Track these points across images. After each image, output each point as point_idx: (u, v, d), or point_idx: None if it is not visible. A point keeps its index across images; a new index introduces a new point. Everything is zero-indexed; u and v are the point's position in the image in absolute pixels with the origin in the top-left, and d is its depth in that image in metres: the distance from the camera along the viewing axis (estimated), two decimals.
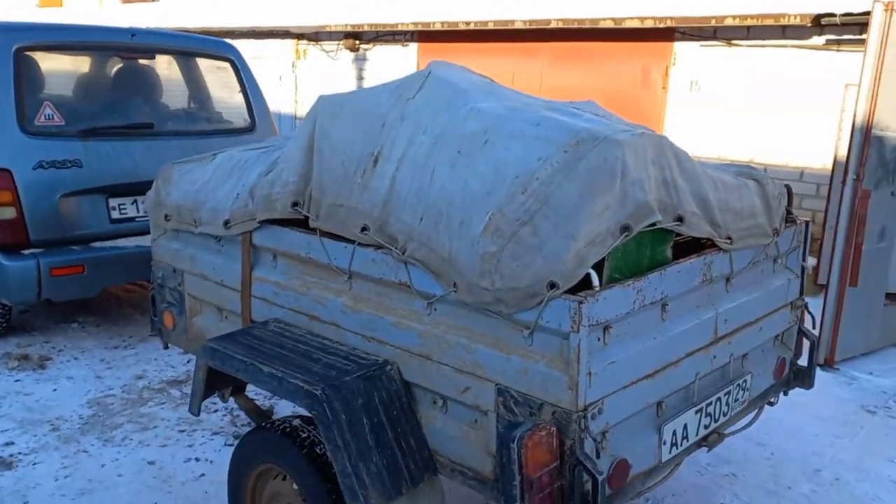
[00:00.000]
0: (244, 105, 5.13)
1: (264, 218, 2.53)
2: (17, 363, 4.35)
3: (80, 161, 4.30)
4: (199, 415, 2.57)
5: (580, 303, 1.73)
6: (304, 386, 2.05)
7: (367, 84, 10.31)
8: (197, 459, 3.38)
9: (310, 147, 2.48)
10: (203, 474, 3.25)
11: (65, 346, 4.66)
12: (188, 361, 4.48)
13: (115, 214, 4.50)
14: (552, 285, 1.77)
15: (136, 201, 4.58)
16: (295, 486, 2.32)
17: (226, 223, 2.71)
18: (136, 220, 4.57)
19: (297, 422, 2.35)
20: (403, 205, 2.16)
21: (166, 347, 3.33)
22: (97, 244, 4.40)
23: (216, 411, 3.88)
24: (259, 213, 2.55)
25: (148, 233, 4.49)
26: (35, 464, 3.28)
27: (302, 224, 2.51)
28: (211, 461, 3.37)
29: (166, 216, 3.01)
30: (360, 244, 2.25)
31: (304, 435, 2.28)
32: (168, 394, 4.07)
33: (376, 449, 2.03)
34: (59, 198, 4.24)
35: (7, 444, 3.45)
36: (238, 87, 5.12)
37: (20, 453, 3.37)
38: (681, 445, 2.18)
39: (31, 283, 4.13)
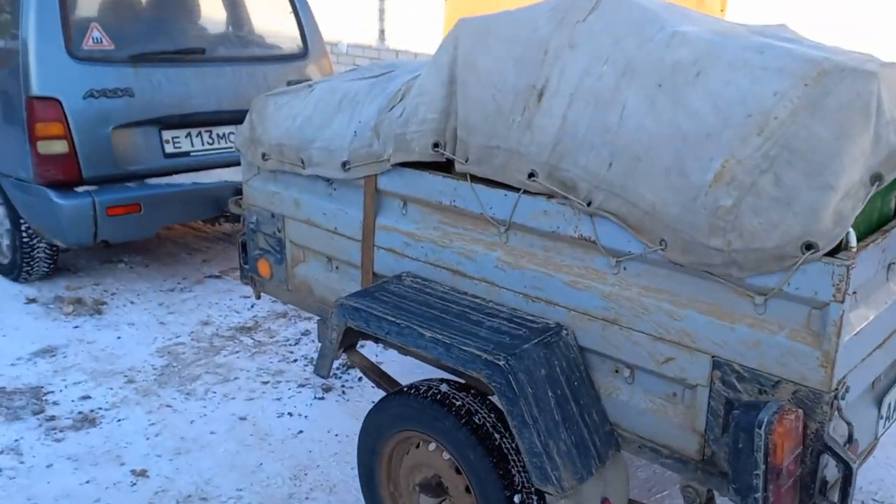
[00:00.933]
0: (296, 29, 4.73)
1: (399, 161, 2.24)
2: (72, 308, 4.10)
3: (131, 90, 3.95)
4: (328, 377, 2.33)
5: (848, 268, 1.48)
6: (483, 355, 1.81)
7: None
8: (290, 414, 3.18)
9: (450, 79, 2.16)
10: (301, 431, 3.05)
11: (117, 289, 4.40)
12: (253, 306, 4.24)
13: (169, 148, 4.17)
14: (808, 246, 1.51)
15: (189, 134, 4.25)
16: (445, 457, 2.11)
17: (344, 165, 2.42)
18: (191, 154, 4.26)
19: (444, 387, 2.12)
20: (580, 147, 1.87)
21: (258, 297, 3.07)
22: (152, 181, 4.10)
23: (295, 361, 3.66)
24: (391, 155, 2.25)
25: (203, 169, 4.26)
26: (119, 420, 3.08)
27: (437, 167, 2.22)
28: (305, 416, 3.17)
29: (264, 155, 2.71)
30: (525, 192, 1.97)
31: (459, 403, 2.05)
32: (240, 341, 3.84)
33: (563, 424, 1.81)
34: (111, 130, 3.91)
35: (84, 397, 3.23)
36: (289, 9, 4.70)
37: (101, 409, 3.15)
38: (892, 419, 1.97)
39: (88, 224, 3.84)
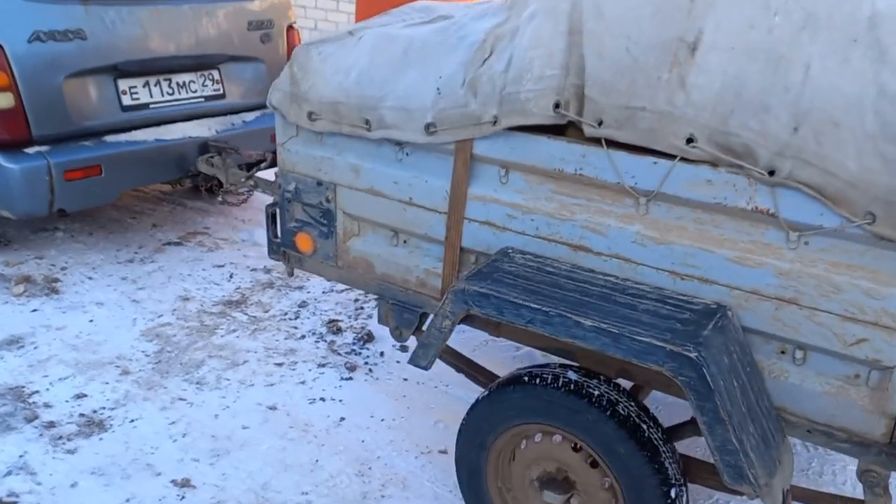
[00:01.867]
0: None
1: (512, 124, 1.97)
2: (23, 287, 3.54)
3: (83, 31, 3.37)
4: (429, 368, 2.08)
5: None
6: (666, 346, 1.63)
7: None
8: (322, 399, 2.89)
9: (571, 29, 1.90)
10: (343, 418, 2.78)
11: (66, 263, 3.85)
12: (232, 276, 3.85)
13: (127, 100, 3.63)
14: None
15: (147, 83, 3.71)
16: (574, 451, 1.94)
17: (427, 127, 2.12)
18: (150, 106, 3.73)
19: (573, 375, 1.93)
20: (751, 108, 1.69)
21: (291, 274, 2.72)
22: (110, 138, 3.56)
23: (303, 337, 3.35)
24: (499, 117, 1.97)
25: (164, 123, 3.75)
26: (132, 421, 2.68)
27: (539, 130, 1.97)
28: (340, 400, 2.90)
29: (311, 115, 2.34)
30: (682, 159, 1.77)
31: (597, 392, 1.87)
32: (232, 318, 3.46)
33: (748, 416, 1.67)
34: (63, 79, 3.33)
35: (79, 396, 2.80)
36: None
37: (104, 408, 2.74)
38: None
39: (43, 190, 3.29)
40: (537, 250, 2.04)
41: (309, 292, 3.78)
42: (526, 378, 1.98)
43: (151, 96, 3.72)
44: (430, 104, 2.11)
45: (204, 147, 3.88)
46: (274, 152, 3.64)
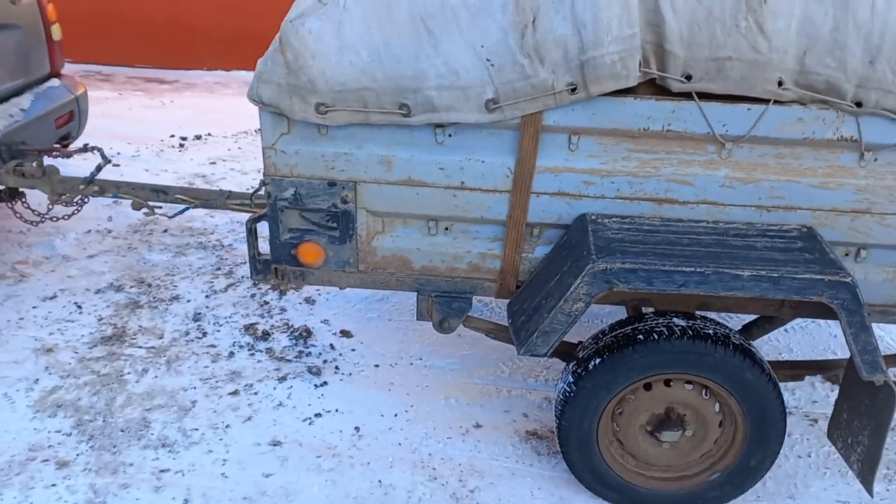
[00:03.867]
0: None
1: (604, 90, 1.89)
2: None
3: None
4: (548, 355, 2.00)
5: None
6: (824, 277, 1.81)
7: None
8: (318, 415, 2.61)
9: None
10: (357, 428, 2.55)
11: None
12: (80, 307, 3.14)
13: None
14: None
15: None
16: (688, 388, 2.09)
17: (489, 104, 1.93)
18: None
19: (679, 321, 2.04)
20: (828, 47, 1.87)
21: (283, 293, 2.31)
22: None
23: (231, 355, 2.91)
24: (588, 84, 1.88)
25: None
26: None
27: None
28: (337, 410, 2.63)
29: (320, 107, 1.96)
30: (775, 102, 1.90)
31: (711, 332, 2.02)
32: (128, 356, 2.86)
33: None
34: None
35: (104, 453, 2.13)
36: None
37: (171, 469, 2.13)
38: None
39: None
40: (619, 211, 2.05)
41: (189, 300, 3.25)
42: (641, 336, 2.03)
43: None
44: (486, 78, 1.92)
45: (12, 153, 2.99)
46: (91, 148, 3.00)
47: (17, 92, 3.24)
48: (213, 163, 4.77)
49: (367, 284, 2.24)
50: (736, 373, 2.01)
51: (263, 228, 2.23)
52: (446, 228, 2.15)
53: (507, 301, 2.22)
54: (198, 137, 5.19)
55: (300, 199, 2.10)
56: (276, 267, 2.23)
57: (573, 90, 1.90)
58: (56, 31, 3.46)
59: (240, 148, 5.09)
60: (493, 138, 2.00)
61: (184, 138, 5.13)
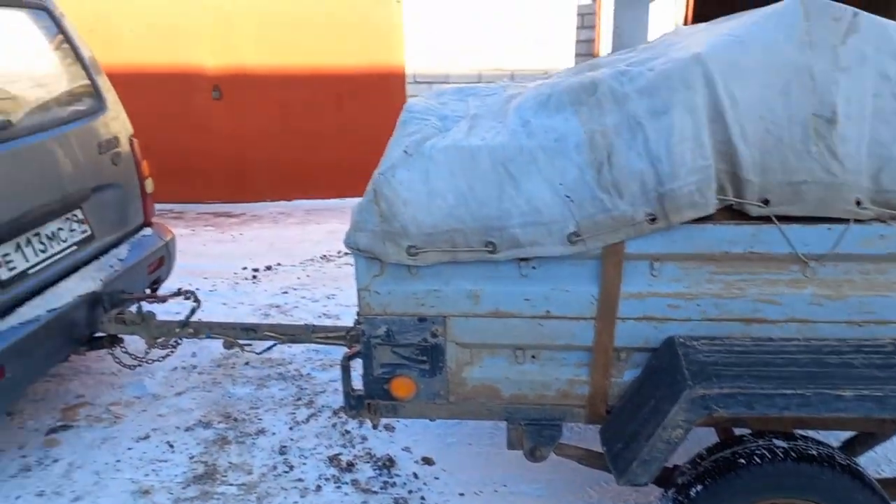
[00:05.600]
0: (82, 73, 3.54)
1: (685, 219, 1.97)
2: None
3: None
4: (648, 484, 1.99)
5: None
6: None
7: None
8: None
9: (711, 118, 1.98)
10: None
11: None
12: (172, 446, 3.21)
13: (4, 273, 2.84)
14: None
15: (19, 246, 2.94)
16: None
17: (570, 237, 2.03)
18: (29, 273, 2.96)
19: (780, 442, 2.02)
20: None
21: (376, 427, 2.37)
22: (1, 326, 2.75)
23: (319, 489, 2.94)
24: (669, 214, 1.97)
25: (46, 288, 3.05)
26: None
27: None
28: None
29: (411, 249, 2.09)
30: (855, 221, 1.96)
31: (815, 452, 1.99)
32: (221, 495, 2.91)
33: None
34: None
35: None
36: (67, 48, 3.49)
37: None
38: None
39: None
40: (707, 332, 2.08)
41: (274, 433, 3.32)
42: (742, 460, 2.01)
43: (27, 260, 2.95)
44: (566, 213, 2.03)
45: (95, 303, 3.18)
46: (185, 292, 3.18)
47: (117, 243, 3.49)
48: (286, 292, 4.95)
49: (457, 415, 2.29)
50: (846, 495, 1.96)
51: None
52: (533, 356, 2.21)
53: (596, 426, 2.23)
54: (268, 268, 5.42)
55: (392, 335, 2.20)
56: (370, 402, 2.30)
57: (653, 220, 1.99)
58: (149, 185, 3.75)
59: (308, 276, 5.29)
60: (577, 268, 2.08)
61: (256, 270, 5.36)
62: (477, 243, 2.07)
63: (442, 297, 2.14)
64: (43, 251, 3.04)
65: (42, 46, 3.33)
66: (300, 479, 2.99)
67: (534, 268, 2.10)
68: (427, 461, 3.09)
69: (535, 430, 2.26)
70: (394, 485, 2.95)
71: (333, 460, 3.10)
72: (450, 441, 3.23)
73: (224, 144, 7.04)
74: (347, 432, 3.30)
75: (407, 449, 3.17)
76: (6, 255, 2.84)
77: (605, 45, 6.99)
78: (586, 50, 7.10)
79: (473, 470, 3.02)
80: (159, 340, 3.15)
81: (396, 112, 2.72)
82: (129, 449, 3.21)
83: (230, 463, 3.10)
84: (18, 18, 3.23)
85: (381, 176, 2.10)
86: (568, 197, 2.03)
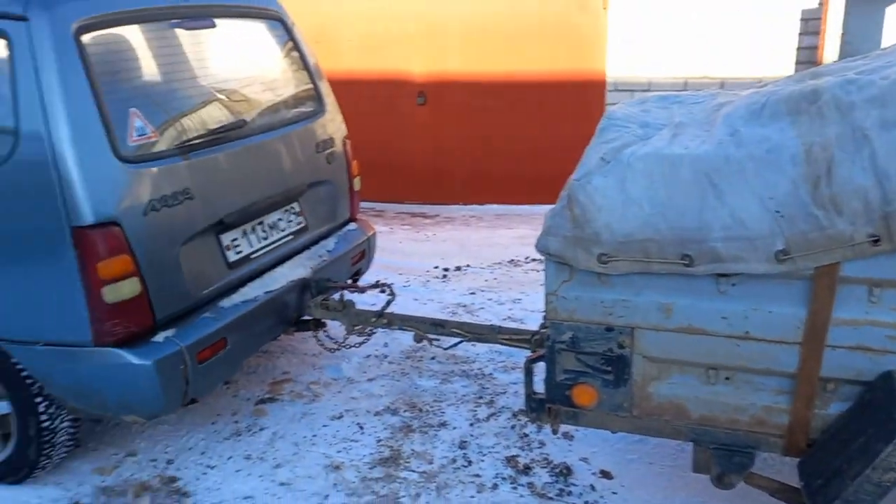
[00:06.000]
0: (307, 78, 3.86)
1: None
2: (148, 500, 2.96)
3: (189, 190, 2.91)
4: None
5: None
6: None
7: None
8: None
9: None
10: None
11: (169, 454, 3.28)
12: (362, 428, 3.41)
13: (232, 256, 3.18)
14: None
15: (245, 232, 3.27)
16: None
17: (778, 255, 1.91)
18: (252, 257, 3.29)
19: None
20: None
21: (556, 432, 2.40)
22: (224, 303, 3.08)
23: (495, 487, 2.98)
24: (895, 236, 1.80)
25: (265, 272, 3.34)
26: None
27: None
28: None
29: (602, 257, 2.07)
30: None
31: None
32: (403, 479, 3.05)
33: None
34: (179, 248, 2.86)
35: None
36: (298, 61, 3.82)
37: None
38: None
39: (178, 382, 2.78)
40: None
41: (455, 427, 3.42)
42: None
43: (251, 245, 3.28)
44: (775, 229, 1.91)
45: (304, 289, 3.47)
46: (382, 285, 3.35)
47: (325, 235, 3.79)
48: (473, 293, 5.08)
49: (640, 430, 2.24)
50: None
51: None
52: (727, 378, 2.11)
53: (793, 459, 2.08)
54: (458, 269, 5.59)
55: (577, 342, 2.20)
56: (550, 406, 2.31)
57: (875, 242, 1.83)
58: (357, 183, 4.03)
59: (495, 279, 5.39)
60: (782, 288, 1.96)
61: (446, 269, 5.56)
62: (672, 255, 2.01)
63: (631, 307, 2.11)
64: (265, 238, 3.37)
65: (274, 54, 3.70)
66: (477, 475, 3.07)
67: (733, 284, 2.01)
68: (605, 475, 3.04)
69: (724, 456, 2.16)
70: (570, 493, 2.93)
71: (511, 461, 3.15)
72: (630, 457, 3.15)
73: (424, 148, 7.37)
74: (526, 435, 3.33)
75: (585, 459, 3.14)
76: (234, 239, 3.18)
77: (830, 52, 6.46)
78: (808, 57, 6.60)
79: (654, 490, 2.93)
80: (357, 328, 3.37)
81: (594, 121, 2.71)
82: (325, 426, 3.47)
83: (413, 450, 3.25)
84: (257, 28, 3.61)
85: (576, 182, 2.11)
86: (778, 212, 1.91)
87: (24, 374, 2.77)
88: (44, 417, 2.85)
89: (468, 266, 5.64)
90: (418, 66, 7.14)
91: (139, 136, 2.74)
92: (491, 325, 3.10)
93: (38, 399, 2.81)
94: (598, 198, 2.08)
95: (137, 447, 3.32)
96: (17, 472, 2.98)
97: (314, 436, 3.39)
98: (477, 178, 7.37)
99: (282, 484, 3.04)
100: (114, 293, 2.59)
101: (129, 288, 2.63)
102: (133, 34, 2.92)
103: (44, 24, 2.49)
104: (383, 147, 7.34)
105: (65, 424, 2.94)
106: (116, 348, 2.64)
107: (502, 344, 3.12)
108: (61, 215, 2.52)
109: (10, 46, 2.53)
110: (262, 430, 3.44)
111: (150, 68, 3.03)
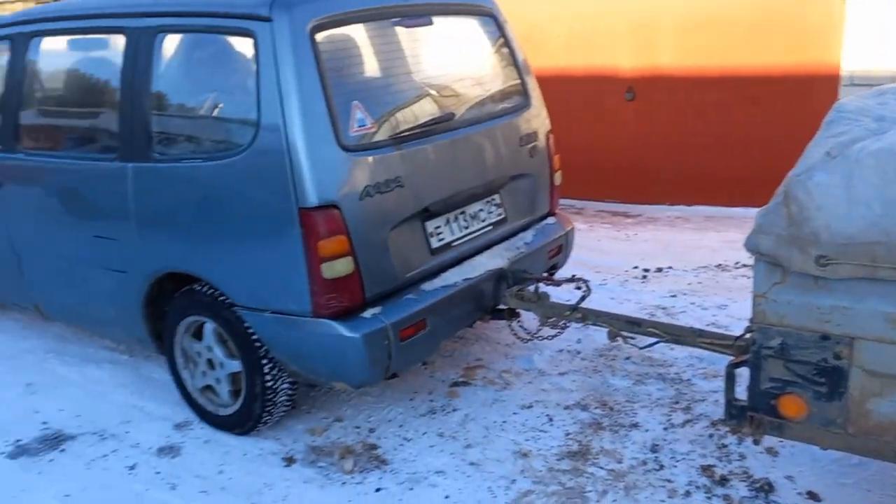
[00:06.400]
0: (516, 75, 3.92)
1: None
2: (353, 462, 3.20)
3: (401, 178, 3.10)
4: None
5: None
6: None
7: None
8: None
9: None
10: None
11: (371, 423, 3.52)
12: (551, 420, 3.42)
13: (434, 242, 3.33)
14: None
15: (448, 220, 3.41)
16: None
17: None
18: (453, 245, 3.42)
19: None
20: None
21: (758, 443, 2.27)
22: (426, 286, 3.24)
23: (688, 494, 2.86)
24: None
25: (464, 259, 3.44)
26: None
27: None
28: None
29: (820, 259, 1.92)
30: None
31: None
32: (589, 474, 3.03)
33: None
34: (388, 232, 3.05)
35: None
36: (506, 55, 3.90)
37: None
38: None
39: (382, 356, 2.98)
40: None
41: (647, 430, 3.33)
42: None
43: (453, 234, 3.42)
44: None
45: (501, 278, 3.54)
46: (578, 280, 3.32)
47: (524, 228, 3.85)
48: (674, 296, 4.90)
49: (854, 449, 2.05)
50: None
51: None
52: None
53: None
54: (659, 270, 5.41)
55: (787, 349, 2.06)
56: (752, 415, 2.18)
57: None
58: (558, 178, 4.05)
59: (699, 282, 5.15)
60: None
61: (646, 270, 5.40)
62: None
63: (851, 316, 1.94)
64: (465, 228, 3.50)
65: (485, 49, 3.82)
66: (669, 480, 2.98)
67: None
68: (813, 496, 2.82)
69: None
70: None
71: (706, 470, 3.01)
72: (844, 481, 2.89)
73: (630, 145, 7.19)
74: (724, 446, 3.17)
75: (790, 478, 2.93)
76: (438, 227, 3.34)
77: None
78: None
79: None
80: (551, 320, 3.40)
81: (819, 118, 2.50)
82: (515, 414, 3.53)
83: (602, 448, 3.22)
84: (470, 25, 3.75)
85: (795, 177, 1.98)
86: None
87: (254, 337, 3.11)
88: (268, 378, 3.18)
89: (670, 268, 5.44)
90: (627, 62, 6.98)
91: (359, 127, 2.96)
92: (692, 327, 2.99)
93: (264, 361, 3.15)
94: (819, 195, 1.93)
95: (344, 414, 3.60)
96: (243, 424, 3.35)
97: (504, 422, 3.46)
98: (685, 178, 7.06)
99: (471, 463, 3.15)
100: (331, 270, 2.83)
101: (343, 266, 2.86)
102: (357, 32, 3.17)
103: (285, 23, 2.78)
104: (587, 143, 7.28)
105: (284, 386, 3.26)
106: (331, 320, 2.89)
107: (702, 348, 2.99)
108: (291, 197, 2.80)
109: (256, 45, 2.85)
110: (454, 410, 3.58)
111: (370, 64, 3.27)
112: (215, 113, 3.16)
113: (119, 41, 3.29)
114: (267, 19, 2.81)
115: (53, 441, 3.45)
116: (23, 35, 3.74)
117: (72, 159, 3.56)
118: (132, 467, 3.24)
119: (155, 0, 3.27)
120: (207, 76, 3.20)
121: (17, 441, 3.47)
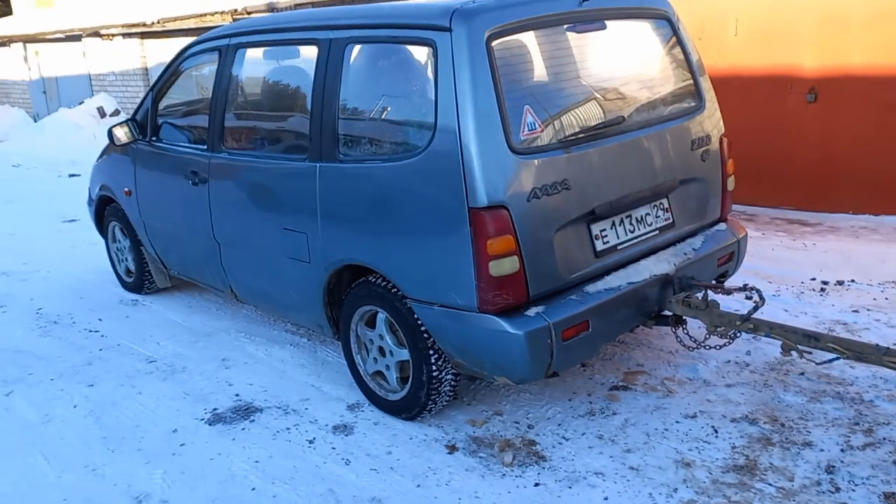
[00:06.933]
0: (689, 78, 3.84)
1: None
2: (512, 455, 3.29)
3: (567, 181, 3.15)
4: None
5: None
6: None
7: None
8: None
9: None
10: None
11: (529, 419, 3.59)
12: (717, 432, 3.31)
13: (599, 245, 3.34)
14: None
15: (613, 224, 3.41)
16: None
17: None
18: (618, 248, 3.41)
19: None
20: None
21: None
22: (589, 288, 3.26)
23: None
24: None
25: (628, 263, 3.41)
26: None
27: None
28: None
29: None
30: None
31: None
32: (757, 490, 2.92)
33: None
34: (553, 234, 3.11)
35: None
36: (679, 56, 3.82)
37: None
38: None
39: (544, 354, 3.04)
40: None
41: (822, 450, 3.15)
42: None
43: (618, 237, 3.42)
44: None
45: (667, 284, 3.49)
46: (750, 289, 3.20)
47: (693, 233, 3.77)
48: (856, 311, 4.58)
49: None
50: None
51: None
52: None
53: None
54: (840, 283, 5.07)
55: None
56: None
57: None
58: (730, 183, 3.93)
59: (886, 298, 4.77)
60: None
61: (825, 283, 5.08)
62: None
63: None
64: (631, 231, 3.49)
65: (657, 51, 3.77)
66: None
67: None
68: None
69: None
70: None
71: (890, 497, 2.82)
72: None
73: (810, 150, 6.76)
74: None
75: None
76: (603, 230, 3.36)
77: None
78: None
79: None
80: (719, 329, 3.31)
81: None
82: (677, 422, 3.47)
83: (771, 464, 3.10)
84: (642, 27, 3.73)
85: None
86: None
87: (423, 329, 3.28)
88: (434, 367, 3.35)
89: (853, 281, 5.08)
90: (809, 60, 6.57)
91: (529, 130, 3.05)
92: (876, 344, 2.81)
93: (431, 352, 3.32)
94: None
95: (503, 408, 3.71)
96: (409, 409, 3.55)
97: (666, 430, 3.42)
98: (873, 185, 6.52)
99: (631, 468, 3.14)
100: (497, 268, 2.94)
101: (510, 265, 2.96)
102: (529, 38, 3.25)
103: (463, 33, 2.92)
104: (763, 147, 6.92)
105: (448, 376, 3.41)
106: (496, 316, 3.00)
107: (888, 367, 2.80)
108: (462, 197, 2.94)
109: (435, 53, 3.02)
110: (614, 414, 3.58)
111: (542, 69, 3.34)
112: (395, 117, 3.37)
113: (312, 51, 3.59)
114: (447, 30, 2.96)
115: (244, 412, 3.83)
116: (229, 47, 4.17)
117: (267, 159, 3.93)
118: (311, 441, 3.53)
119: (345, 13, 3.54)
120: (390, 83, 3.42)
121: (214, 409, 3.89)
